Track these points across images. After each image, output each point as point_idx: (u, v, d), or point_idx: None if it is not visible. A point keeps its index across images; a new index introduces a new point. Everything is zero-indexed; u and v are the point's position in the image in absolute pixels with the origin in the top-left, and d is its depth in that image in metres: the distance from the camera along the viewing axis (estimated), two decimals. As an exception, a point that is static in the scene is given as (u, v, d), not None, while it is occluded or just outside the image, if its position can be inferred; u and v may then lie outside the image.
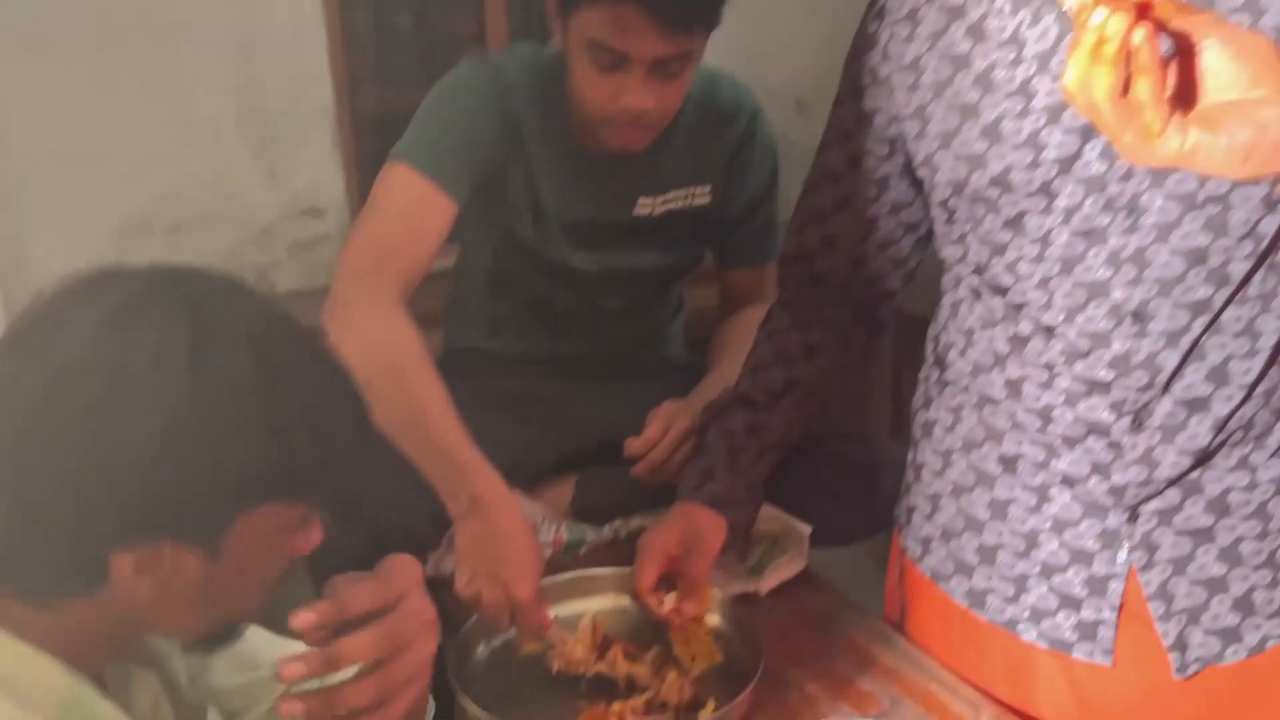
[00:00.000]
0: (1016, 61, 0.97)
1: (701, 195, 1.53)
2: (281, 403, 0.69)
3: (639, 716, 1.09)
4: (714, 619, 1.24)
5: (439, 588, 1.37)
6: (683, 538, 1.16)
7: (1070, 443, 1.04)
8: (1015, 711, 1.09)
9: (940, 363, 1.17)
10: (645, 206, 1.49)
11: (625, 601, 1.30)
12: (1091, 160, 0.96)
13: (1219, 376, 0.99)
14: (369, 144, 2.98)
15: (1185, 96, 0.68)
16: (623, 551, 1.43)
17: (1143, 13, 0.65)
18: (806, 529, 1.35)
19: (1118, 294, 0.98)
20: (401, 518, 1.30)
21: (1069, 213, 0.98)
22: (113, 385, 0.66)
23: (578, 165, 1.45)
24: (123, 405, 0.66)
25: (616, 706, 1.09)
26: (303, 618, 0.70)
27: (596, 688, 1.14)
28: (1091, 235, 0.98)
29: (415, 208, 1.33)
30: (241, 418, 0.68)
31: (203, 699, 0.91)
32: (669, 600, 1.16)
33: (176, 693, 0.86)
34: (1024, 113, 0.97)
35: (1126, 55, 0.65)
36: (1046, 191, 0.98)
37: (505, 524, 1.16)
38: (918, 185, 1.13)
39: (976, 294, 1.09)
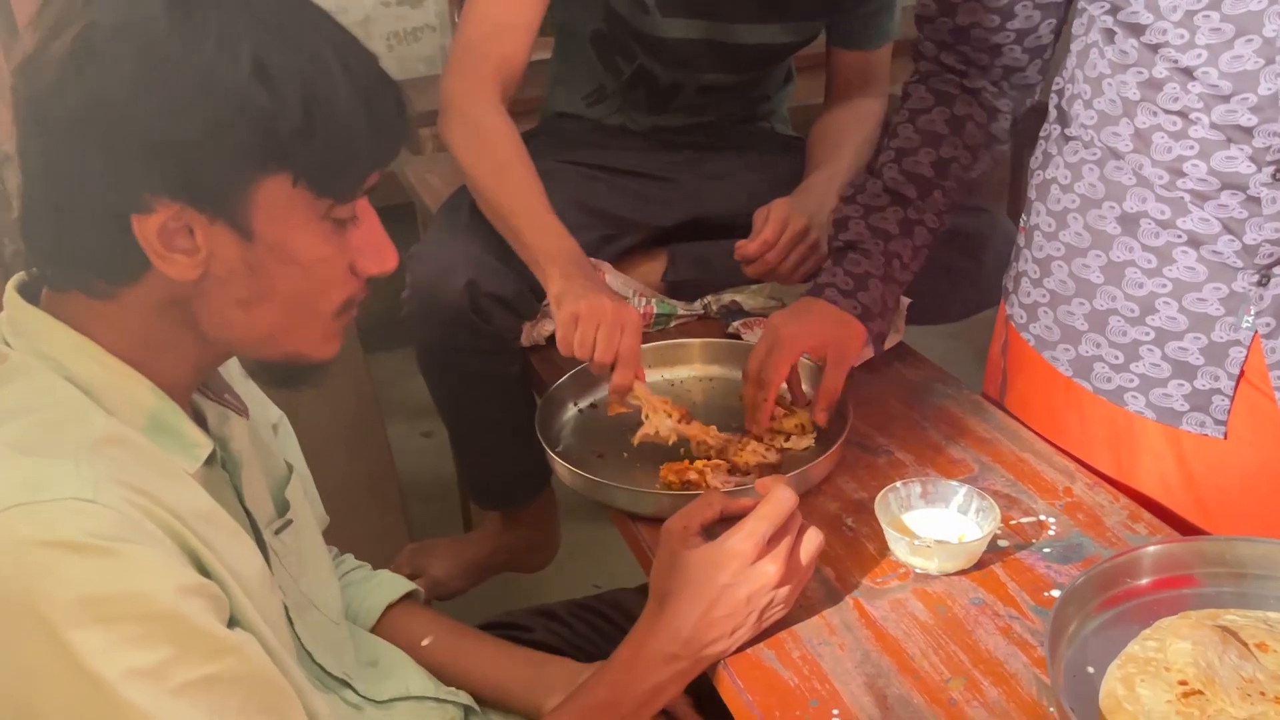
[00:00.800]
0: None
1: None
2: (270, 55, 0.66)
3: (720, 474, 1.09)
4: (804, 387, 1.22)
5: (530, 353, 1.38)
6: (823, 345, 1.11)
7: (1201, 198, 0.95)
8: (1116, 484, 1.05)
9: (1063, 117, 1.07)
10: None
11: (713, 370, 1.30)
12: None
13: None
14: (466, -73, 2.87)
15: None
16: (712, 326, 1.42)
17: None
18: (905, 301, 1.30)
19: (1271, 28, 0.87)
20: (499, 285, 1.29)
21: (1224, -68, 0.87)
22: (84, 35, 0.65)
23: None
24: (96, 53, 0.65)
25: (699, 464, 1.09)
26: None
27: (680, 452, 1.13)
28: None
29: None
30: (224, 63, 0.65)
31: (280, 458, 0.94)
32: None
33: (261, 446, 0.89)
34: None
35: None
36: None
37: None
38: None
39: (1109, 35, 0.98)
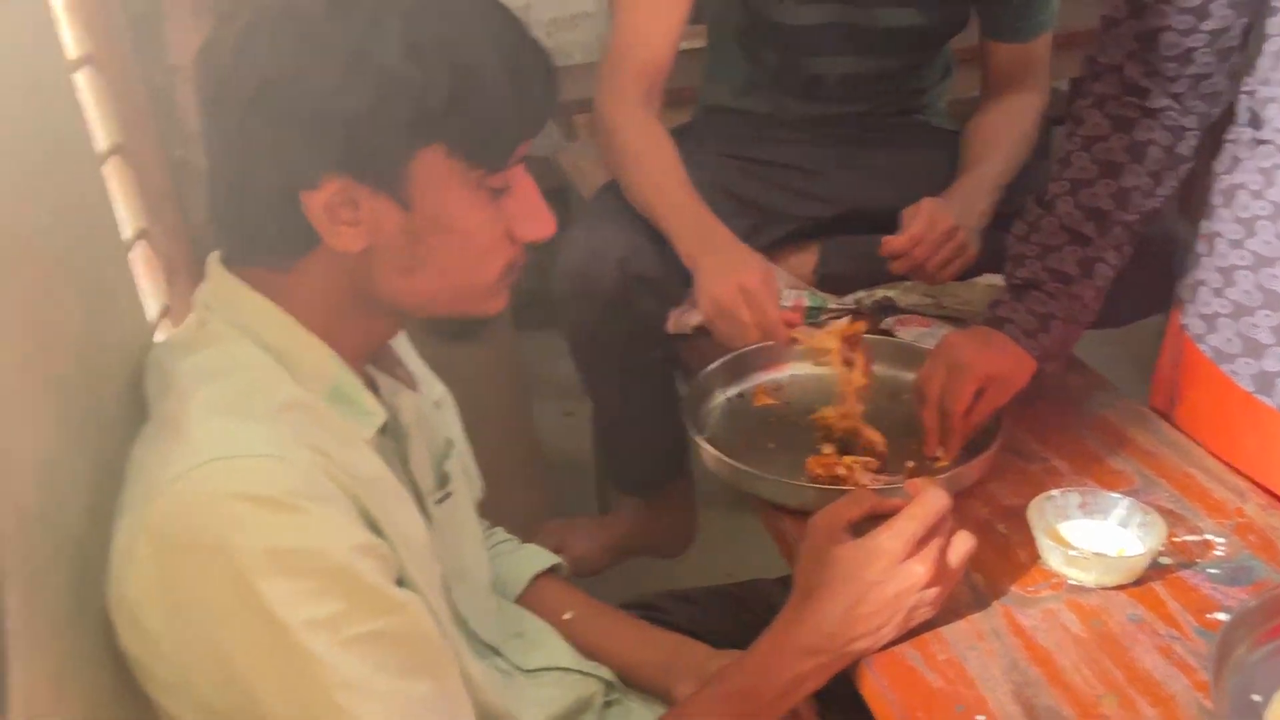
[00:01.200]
0: None
1: None
2: (420, 31, 0.69)
3: (870, 472, 1.08)
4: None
5: (676, 340, 1.39)
6: (992, 379, 1.08)
7: None
8: (1291, 507, 1.00)
9: (1255, 120, 1.02)
10: None
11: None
12: None
13: None
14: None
15: None
16: (865, 321, 1.40)
17: None
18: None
19: None
20: (647, 266, 1.31)
21: None
22: (253, 20, 0.70)
23: None
24: (263, 37, 0.69)
25: (847, 459, 1.08)
26: None
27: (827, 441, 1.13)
28: None
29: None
30: (376, 42, 0.69)
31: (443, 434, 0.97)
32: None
33: (425, 420, 0.92)
34: None
35: None
36: None
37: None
38: None
39: (1312, 33, 0.93)
